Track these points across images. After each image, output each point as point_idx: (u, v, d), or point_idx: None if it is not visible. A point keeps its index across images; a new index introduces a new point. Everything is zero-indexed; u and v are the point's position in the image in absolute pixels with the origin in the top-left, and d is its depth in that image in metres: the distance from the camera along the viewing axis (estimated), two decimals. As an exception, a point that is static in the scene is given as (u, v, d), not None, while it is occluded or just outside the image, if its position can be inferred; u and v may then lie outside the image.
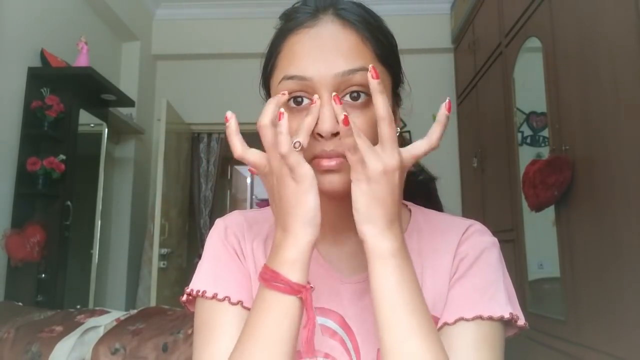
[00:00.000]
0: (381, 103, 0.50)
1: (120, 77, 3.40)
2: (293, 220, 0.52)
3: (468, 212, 3.11)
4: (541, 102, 1.99)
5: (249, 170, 0.58)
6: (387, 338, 0.50)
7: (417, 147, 0.53)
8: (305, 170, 0.51)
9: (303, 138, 0.52)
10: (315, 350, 0.53)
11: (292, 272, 0.52)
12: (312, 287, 0.52)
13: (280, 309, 0.51)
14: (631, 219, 1.40)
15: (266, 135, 0.52)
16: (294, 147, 0.51)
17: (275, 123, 0.52)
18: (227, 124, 0.53)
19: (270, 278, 0.52)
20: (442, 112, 0.52)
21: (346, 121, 0.50)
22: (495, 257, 0.61)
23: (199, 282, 0.62)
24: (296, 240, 0.52)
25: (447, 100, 0.52)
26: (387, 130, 0.50)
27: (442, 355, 0.50)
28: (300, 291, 0.51)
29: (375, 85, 0.50)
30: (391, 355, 0.50)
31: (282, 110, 0.51)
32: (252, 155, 0.54)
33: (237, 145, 0.53)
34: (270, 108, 0.52)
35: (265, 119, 0.52)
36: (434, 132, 0.52)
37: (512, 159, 2.30)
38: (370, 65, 0.51)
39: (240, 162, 0.60)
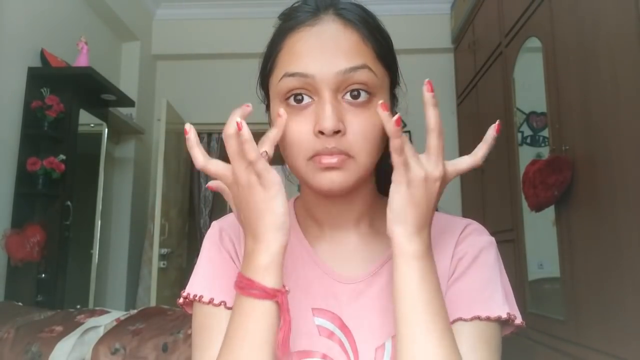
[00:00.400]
0: (433, 116, 0.52)
1: (120, 77, 3.40)
2: (263, 227, 0.52)
3: (468, 212, 3.11)
4: (541, 102, 1.99)
5: (208, 186, 0.60)
6: (404, 336, 0.52)
7: (462, 163, 0.54)
8: (273, 176, 0.52)
9: (268, 147, 0.54)
10: (290, 353, 0.54)
11: (267, 277, 0.52)
12: (287, 290, 0.53)
13: (257, 315, 0.52)
14: (631, 219, 1.40)
15: (231, 145, 0.52)
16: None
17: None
18: (187, 136, 0.53)
19: (245, 286, 0.53)
20: (490, 132, 0.54)
21: (398, 122, 0.50)
22: (492, 257, 0.61)
23: (195, 286, 0.63)
24: (268, 246, 0.53)
25: (496, 123, 0.54)
26: (436, 142, 0.52)
27: (455, 356, 0.51)
28: (276, 295, 0.52)
29: (429, 98, 0.51)
30: (406, 352, 0.51)
31: (239, 120, 0.51)
32: (214, 165, 0.54)
33: (199, 157, 0.53)
34: (234, 118, 0.52)
35: (230, 128, 0.52)
36: (480, 150, 0.54)
37: (512, 159, 2.30)
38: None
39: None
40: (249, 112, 0.54)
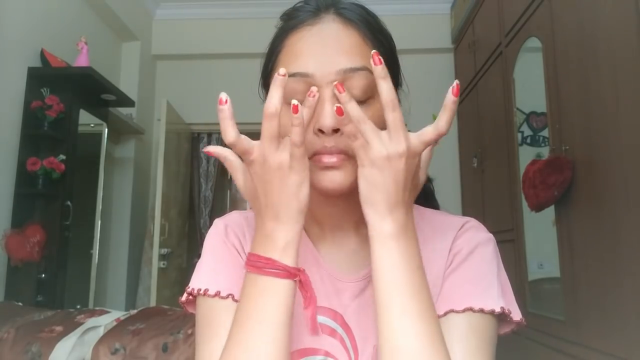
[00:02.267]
0: (386, 89, 0.50)
1: (120, 77, 3.40)
2: (287, 209, 0.52)
3: (468, 212, 3.11)
4: (541, 102, 1.99)
5: (205, 150, 0.56)
6: (382, 317, 0.51)
7: (426, 133, 0.51)
8: (305, 159, 0.52)
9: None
10: (319, 330, 0.53)
11: (287, 257, 0.52)
12: (303, 269, 0.54)
13: (276, 294, 0.52)
14: (631, 219, 1.40)
15: (272, 124, 0.50)
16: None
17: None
18: (221, 107, 0.50)
19: (264, 265, 0.52)
20: (449, 97, 0.50)
21: (339, 111, 0.50)
22: (489, 252, 0.61)
23: (199, 280, 0.62)
24: (290, 227, 0.53)
25: (454, 84, 0.50)
26: (393, 116, 0.50)
27: (436, 335, 0.50)
28: (297, 274, 0.52)
29: (379, 71, 0.49)
30: (385, 333, 0.50)
31: (295, 102, 0.49)
32: (245, 142, 0.51)
33: (231, 131, 0.50)
34: (275, 94, 0.50)
35: (272, 106, 0.49)
36: (442, 118, 0.50)
37: (512, 159, 2.30)
38: (373, 51, 0.50)
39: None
40: (286, 79, 0.51)
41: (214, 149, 0.55)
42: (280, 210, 0.52)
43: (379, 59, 0.49)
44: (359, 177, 0.53)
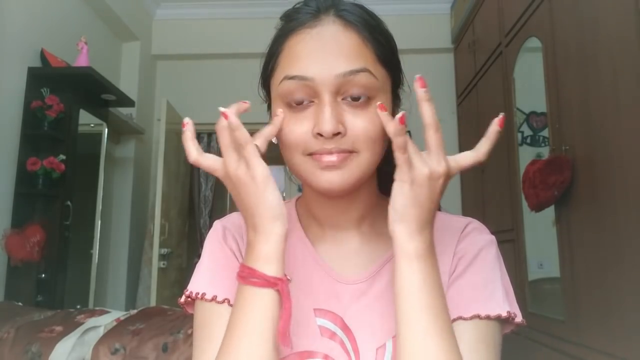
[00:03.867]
0: (429, 111, 0.51)
1: (120, 77, 3.40)
2: (259, 218, 0.53)
3: (468, 212, 3.11)
4: (541, 102, 1.99)
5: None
6: (404, 335, 0.51)
7: (464, 158, 0.53)
8: (261, 167, 0.52)
9: (260, 142, 0.54)
10: (290, 341, 0.53)
11: (268, 266, 0.53)
12: (288, 279, 0.54)
13: (259, 304, 0.52)
14: (631, 219, 1.40)
15: (224, 137, 0.53)
16: None
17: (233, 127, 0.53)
18: (184, 129, 0.54)
19: (246, 275, 0.53)
20: (493, 127, 0.53)
21: (402, 120, 0.50)
22: (492, 255, 0.61)
23: (197, 284, 0.62)
24: (267, 236, 0.53)
25: (500, 116, 0.53)
26: (435, 137, 0.51)
27: (455, 355, 0.51)
28: (277, 283, 0.53)
29: (422, 94, 0.51)
30: (406, 352, 0.51)
31: (222, 109, 0.53)
32: (206, 159, 0.55)
33: (193, 151, 0.54)
34: (228, 112, 0.53)
35: (222, 121, 0.53)
36: (483, 146, 0.53)
37: (512, 159, 2.30)
38: (417, 76, 0.51)
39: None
40: (245, 109, 0.55)
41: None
42: (254, 219, 0.53)
43: (424, 83, 0.51)
44: (395, 193, 0.53)
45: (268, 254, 0.53)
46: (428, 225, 0.53)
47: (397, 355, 0.52)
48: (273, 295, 0.53)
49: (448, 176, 0.52)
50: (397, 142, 0.51)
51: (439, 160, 0.51)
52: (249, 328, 0.52)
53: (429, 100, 0.51)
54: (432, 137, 0.51)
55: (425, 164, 0.51)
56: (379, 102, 0.53)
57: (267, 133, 0.55)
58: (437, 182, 0.51)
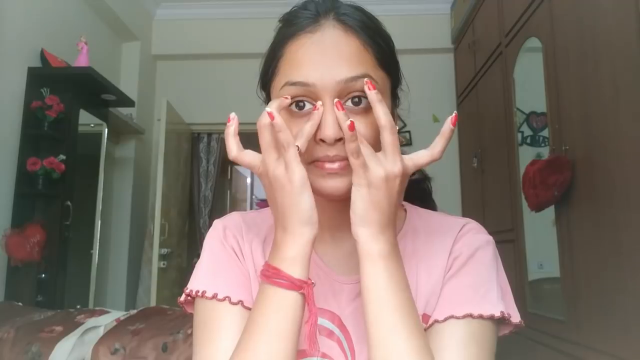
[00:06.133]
0: (382, 112, 0.52)
1: (120, 77, 3.40)
2: (290, 220, 0.53)
3: (468, 212, 3.11)
4: (541, 102, 1.99)
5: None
6: (373, 334, 0.52)
7: (420, 157, 0.54)
8: (300, 170, 0.52)
9: (302, 143, 0.53)
10: (318, 346, 0.54)
11: (293, 268, 0.53)
12: (313, 283, 0.54)
13: (282, 305, 0.52)
14: (631, 219, 1.40)
15: (265, 135, 0.53)
16: None
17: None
18: (228, 124, 0.54)
19: (272, 275, 0.53)
20: (447, 125, 0.53)
21: (352, 127, 0.50)
22: (489, 256, 0.61)
23: (198, 282, 0.62)
24: (295, 238, 0.53)
25: (453, 114, 0.54)
26: (390, 138, 0.52)
27: (424, 351, 0.51)
28: (302, 287, 0.53)
29: (373, 96, 0.52)
30: (376, 350, 0.51)
31: (268, 109, 0.52)
32: (247, 156, 0.55)
33: (233, 148, 0.54)
34: (273, 105, 0.53)
35: (264, 118, 0.53)
36: (437, 145, 0.54)
37: (512, 159, 2.30)
38: (365, 80, 0.53)
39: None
40: (286, 104, 0.55)
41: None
42: (285, 221, 0.54)
43: (372, 85, 0.52)
44: (353, 197, 0.53)
45: (295, 256, 0.53)
46: (390, 225, 0.54)
47: (369, 355, 0.52)
48: (297, 297, 0.53)
49: (405, 175, 0.53)
50: (350, 147, 0.51)
51: (394, 161, 0.52)
52: (270, 328, 0.52)
53: (380, 102, 0.52)
54: (386, 137, 0.52)
55: (381, 165, 0.52)
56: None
57: (308, 132, 0.54)
58: (393, 182, 0.52)
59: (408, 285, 0.54)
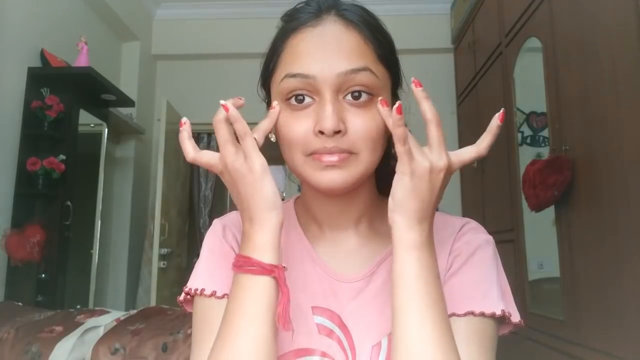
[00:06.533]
0: (429, 107, 0.51)
1: (120, 77, 3.40)
2: (255, 208, 0.54)
3: (468, 212, 3.11)
4: (541, 102, 1.99)
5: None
6: (399, 322, 0.52)
7: (465, 153, 0.54)
8: (259, 158, 0.53)
9: (259, 136, 0.55)
10: (291, 325, 0.54)
11: (264, 254, 0.53)
12: (284, 267, 0.54)
13: (256, 291, 0.53)
14: (631, 219, 1.40)
15: (221, 130, 0.54)
16: None
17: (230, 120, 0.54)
18: (181, 128, 0.56)
19: (242, 263, 0.54)
20: (494, 122, 0.54)
21: (399, 110, 0.50)
22: (489, 255, 0.61)
23: (197, 280, 0.63)
24: (263, 226, 0.54)
25: (501, 111, 0.54)
26: (436, 132, 0.52)
27: (450, 344, 0.51)
28: (273, 270, 0.53)
29: (420, 92, 0.52)
30: (401, 339, 0.51)
31: (222, 102, 0.54)
32: (204, 156, 0.56)
33: (190, 150, 0.55)
34: (228, 104, 0.54)
35: (219, 114, 0.54)
36: (484, 141, 0.54)
37: (512, 159, 2.30)
38: (380, 99, 0.55)
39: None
40: (240, 105, 0.56)
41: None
42: (250, 211, 0.54)
43: (419, 83, 0.52)
44: (395, 184, 0.53)
45: (264, 243, 0.54)
46: (427, 217, 0.53)
47: (393, 343, 0.52)
48: (270, 282, 0.53)
49: (449, 171, 0.53)
50: (396, 133, 0.51)
51: (440, 155, 0.52)
52: (247, 315, 0.52)
53: (426, 98, 0.52)
54: (434, 132, 0.52)
55: (426, 158, 0.51)
56: (380, 98, 0.54)
57: (264, 127, 0.57)
58: (437, 175, 0.52)
59: (439, 278, 0.54)
